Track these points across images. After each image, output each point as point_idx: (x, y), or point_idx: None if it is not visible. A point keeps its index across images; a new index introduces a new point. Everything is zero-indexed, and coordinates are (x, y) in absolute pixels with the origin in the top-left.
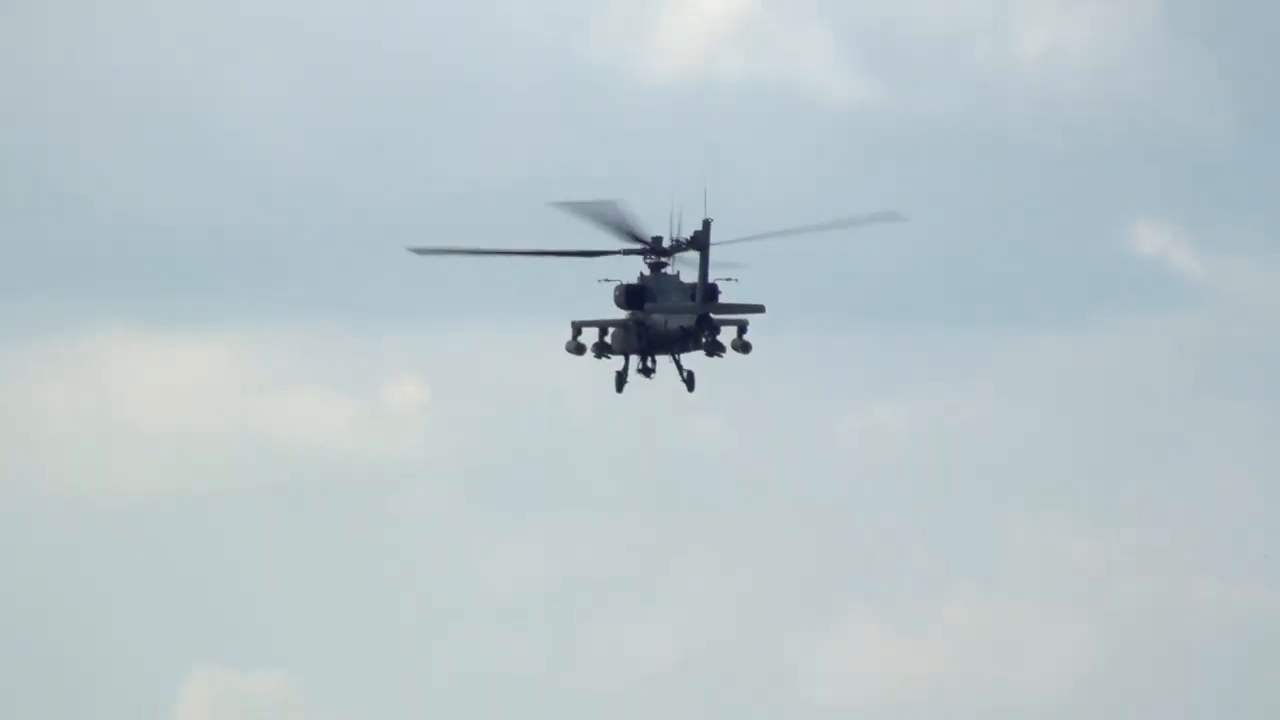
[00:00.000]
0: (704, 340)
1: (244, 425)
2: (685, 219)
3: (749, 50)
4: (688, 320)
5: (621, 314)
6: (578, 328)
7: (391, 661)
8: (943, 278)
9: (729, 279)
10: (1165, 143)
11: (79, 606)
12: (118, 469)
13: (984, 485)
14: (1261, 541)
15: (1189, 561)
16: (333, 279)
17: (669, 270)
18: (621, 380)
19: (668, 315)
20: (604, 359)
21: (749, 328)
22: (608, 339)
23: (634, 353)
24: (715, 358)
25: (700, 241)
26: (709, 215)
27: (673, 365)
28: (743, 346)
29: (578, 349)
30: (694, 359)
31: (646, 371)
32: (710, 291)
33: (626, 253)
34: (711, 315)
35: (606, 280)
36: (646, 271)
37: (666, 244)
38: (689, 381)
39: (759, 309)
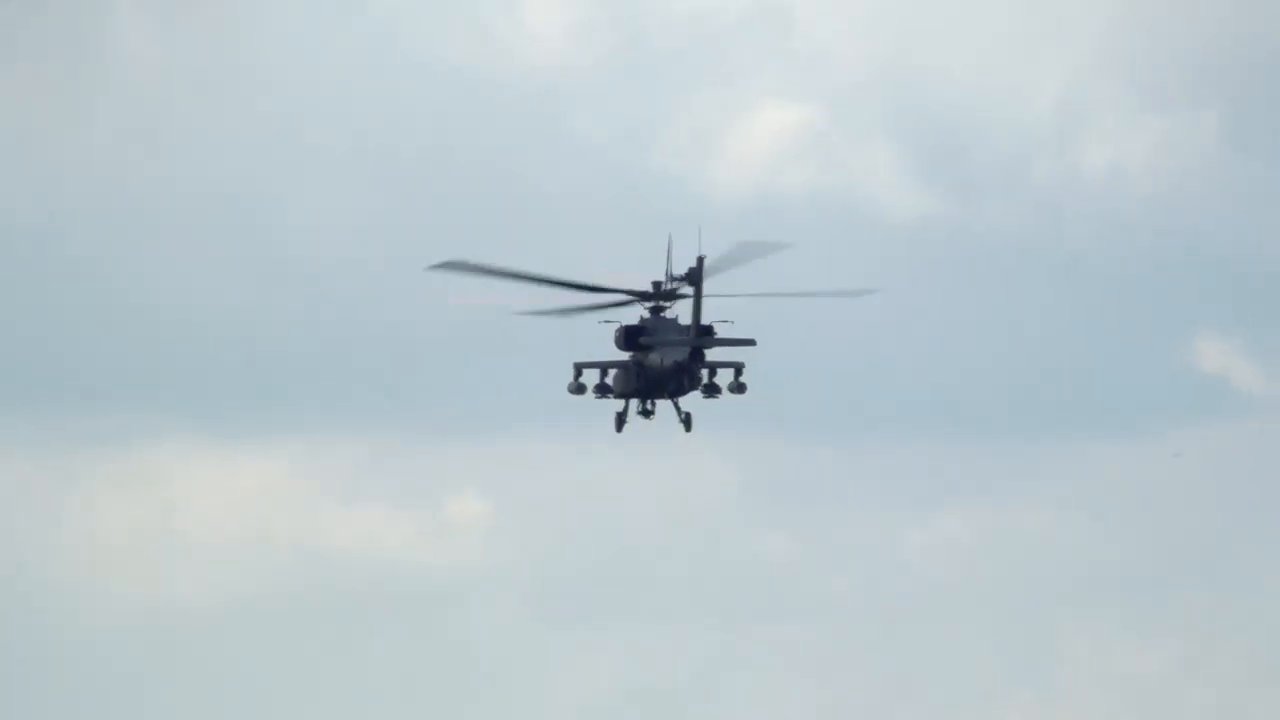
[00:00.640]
0: (699, 376)
1: (306, 538)
2: (679, 260)
3: (813, 164)
4: (681, 355)
5: (622, 355)
6: (579, 369)
7: None
8: (1005, 391)
9: (724, 321)
10: (1226, 258)
11: (142, 717)
12: (180, 582)
13: (1044, 598)
14: None
15: (1249, 675)
16: (394, 392)
17: (668, 315)
18: (621, 421)
19: (663, 352)
20: (605, 399)
21: (744, 370)
22: (608, 380)
23: (633, 394)
24: (712, 399)
25: (694, 278)
26: (703, 253)
27: (672, 409)
28: (738, 388)
29: (579, 389)
30: (693, 401)
31: (646, 413)
32: (704, 329)
33: (629, 293)
34: (704, 349)
35: (608, 322)
36: (647, 315)
37: (663, 283)
38: (687, 422)
39: (750, 342)
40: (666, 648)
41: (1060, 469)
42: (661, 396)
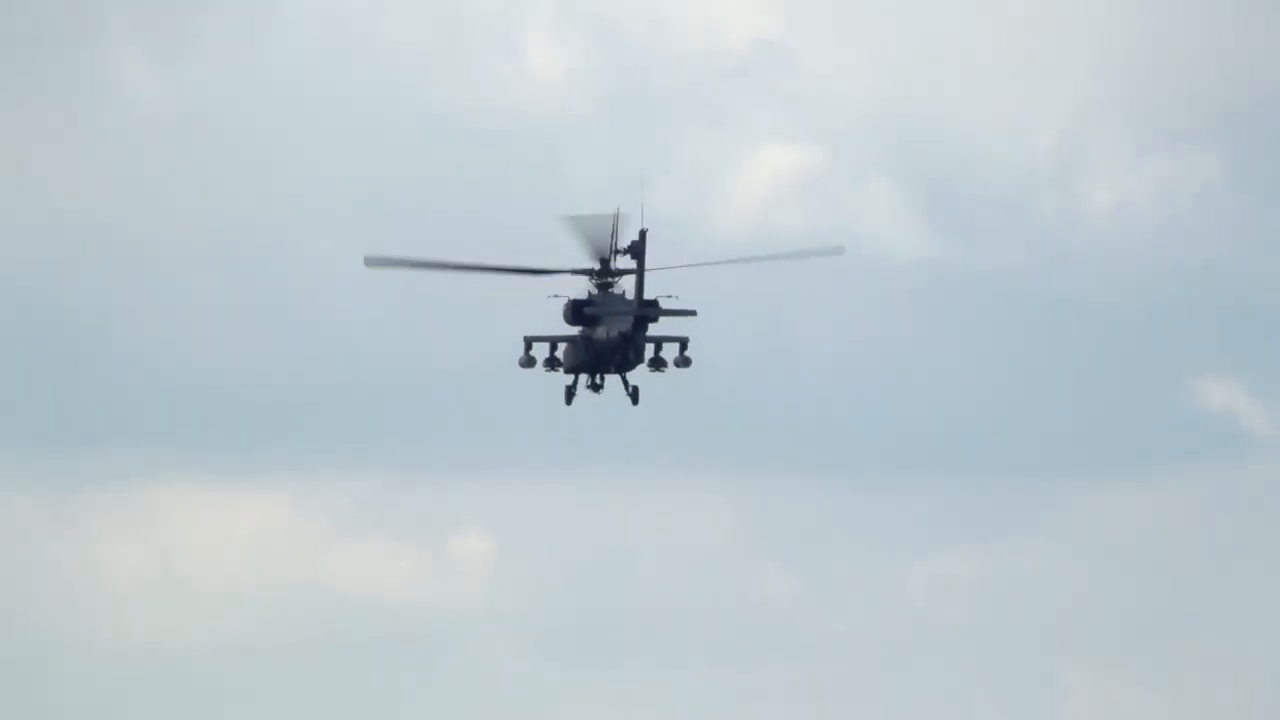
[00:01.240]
0: (643, 348)
1: (307, 577)
2: (624, 233)
3: (811, 206)
4: (625, 325)
5: (570, 330)
6: (529, 342)
7: None
8: (1007, 431)
9: (669, 296)
10: (1231, 297)
11: None
12: (179, 621)
13: (1050, 638)
14: None
15: (1250, 716)
16: (395, 430)
17: (616, 291)
18: (570, 394)
19: (608, 324)
20: (554, 373)
21: (689, 344)
22: (558, 354)
23: (582, 368)
24: (658, 373)
25: (637, 250)
26: (645, 226)
27: (619, 382)
28: (684, 362)
29: (529, 363)
30: (640, 375)
31: (595, 387)
32: (648, 302)
33: (575, 273)
34: (648, 319)
35: (556, 296)
36: (595, 291)
37: (607, 256)
38: (634, 396)
39: (691, 313)
40: (670, 687)
41: (1060, 508)
42: (609, 371)
